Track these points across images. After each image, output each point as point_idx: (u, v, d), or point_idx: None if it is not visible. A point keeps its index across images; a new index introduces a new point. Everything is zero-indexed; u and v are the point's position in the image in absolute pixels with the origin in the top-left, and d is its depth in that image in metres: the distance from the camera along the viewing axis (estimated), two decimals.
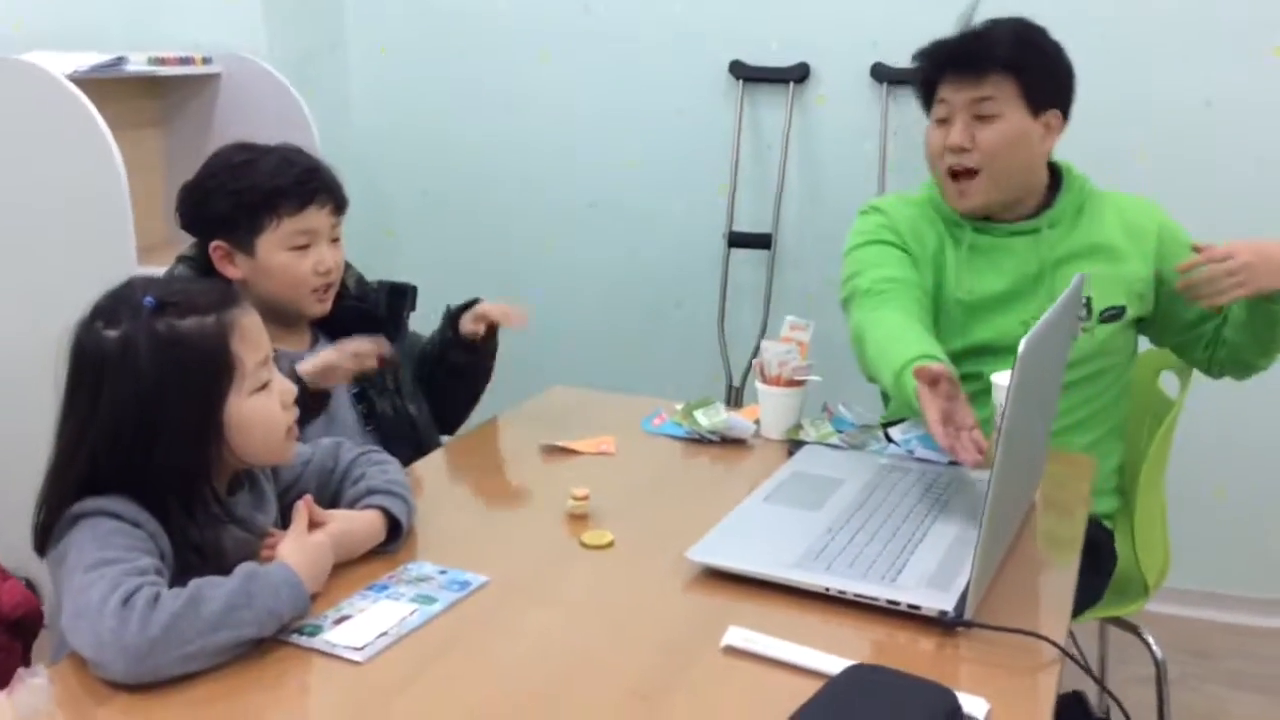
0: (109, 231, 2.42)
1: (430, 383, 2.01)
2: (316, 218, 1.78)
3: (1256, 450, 2.88)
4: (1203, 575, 2.96)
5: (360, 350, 1.72)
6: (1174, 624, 2.93)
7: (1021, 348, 1.15)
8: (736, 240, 3.16)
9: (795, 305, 3.11)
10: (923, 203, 2.02)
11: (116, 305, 1.27)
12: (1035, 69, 1.88)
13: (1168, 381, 2.17)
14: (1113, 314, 1.92)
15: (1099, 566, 1.96)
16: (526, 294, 3.45)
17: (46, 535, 1.23)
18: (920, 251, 1.96)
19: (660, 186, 3.26)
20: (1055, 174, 1.99)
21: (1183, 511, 2.89)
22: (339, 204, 1.83)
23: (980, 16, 2.01)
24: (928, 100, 1.95)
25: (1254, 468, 2.89)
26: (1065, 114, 1.94)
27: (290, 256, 1.77)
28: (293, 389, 1.36)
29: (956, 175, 1.90)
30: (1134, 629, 2.15)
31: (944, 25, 2.69)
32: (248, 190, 1.74)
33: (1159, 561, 2.09)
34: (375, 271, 3.34)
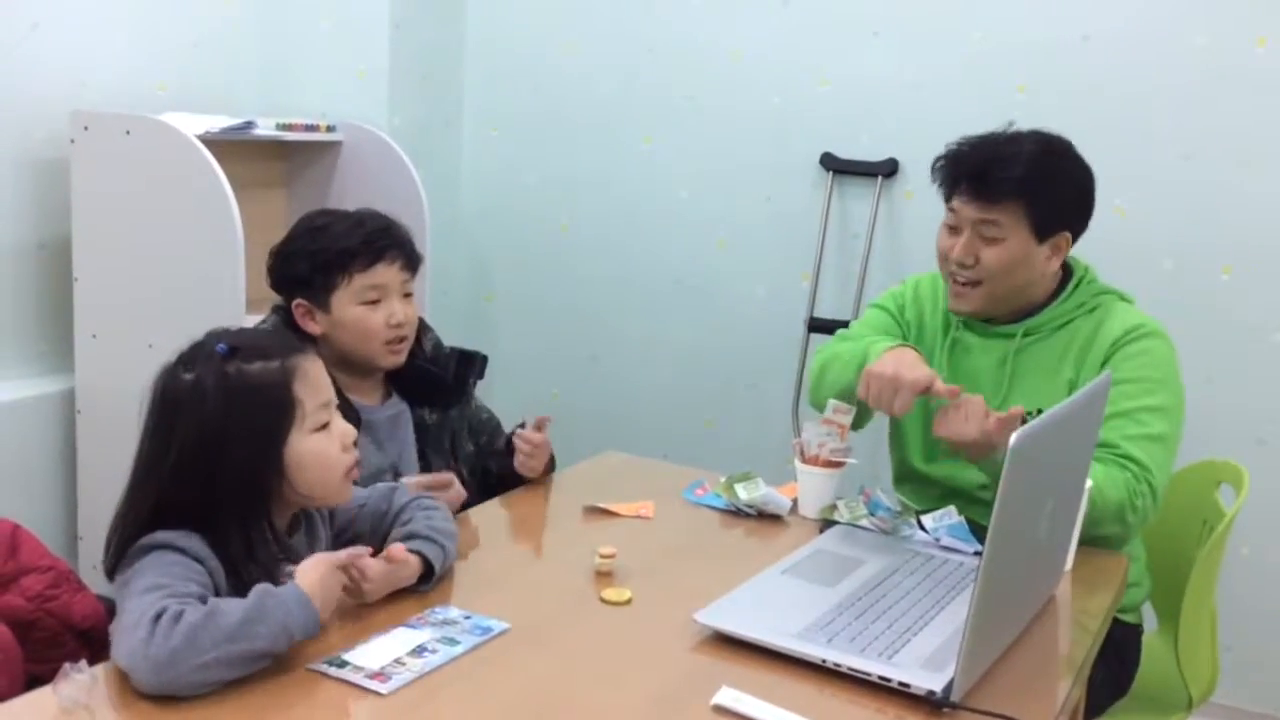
0: (222, 282, 2.61)
1: (486, 474, 2.11)
2: (386, 273, 1.91)
3: None
4: (1264, 695, 2.89)
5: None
6: None
7: (1012, 443, 1.20)
8: (816, 326, 3.23)
9: None
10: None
11: (195, 352, 1.42)
12: (1046, 198, 1.90)
13: (1225, 493, 2.15)
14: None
15: (1122, 662, 1.96)
16: (608, 364, 3.58)
17: (118, 560, 1.35)
18: (916, 327, 2.09)
19: (746, 269, 3.36)
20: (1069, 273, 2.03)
21: (1250, 628, 2.84)
22: (410, 261, 1.95)
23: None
24: (947, 197, 1.99)
25: None
26: (1077, 232, 1.97)
27: (363, 311, 1.90)
28: (352, 431, 1.47)
29: (957, 280, 1.97)
30: None
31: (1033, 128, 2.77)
32: (321, 251, 1.89)
33: (1205, 675, 2.06)
34: (472, 330, 3.52)
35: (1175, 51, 2.81)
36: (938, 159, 2.00)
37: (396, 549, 1.46)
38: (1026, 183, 1.88)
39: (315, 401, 1.42)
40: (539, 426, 2.04)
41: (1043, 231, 1.91)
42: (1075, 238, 1.98)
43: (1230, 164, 2.80)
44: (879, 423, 2.27)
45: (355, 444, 1.49)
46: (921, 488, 2.10)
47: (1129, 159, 2.84)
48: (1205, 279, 2.84)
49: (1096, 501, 1.77)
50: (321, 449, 1.42)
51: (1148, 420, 1.86)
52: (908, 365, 1.82)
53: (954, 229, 1.96)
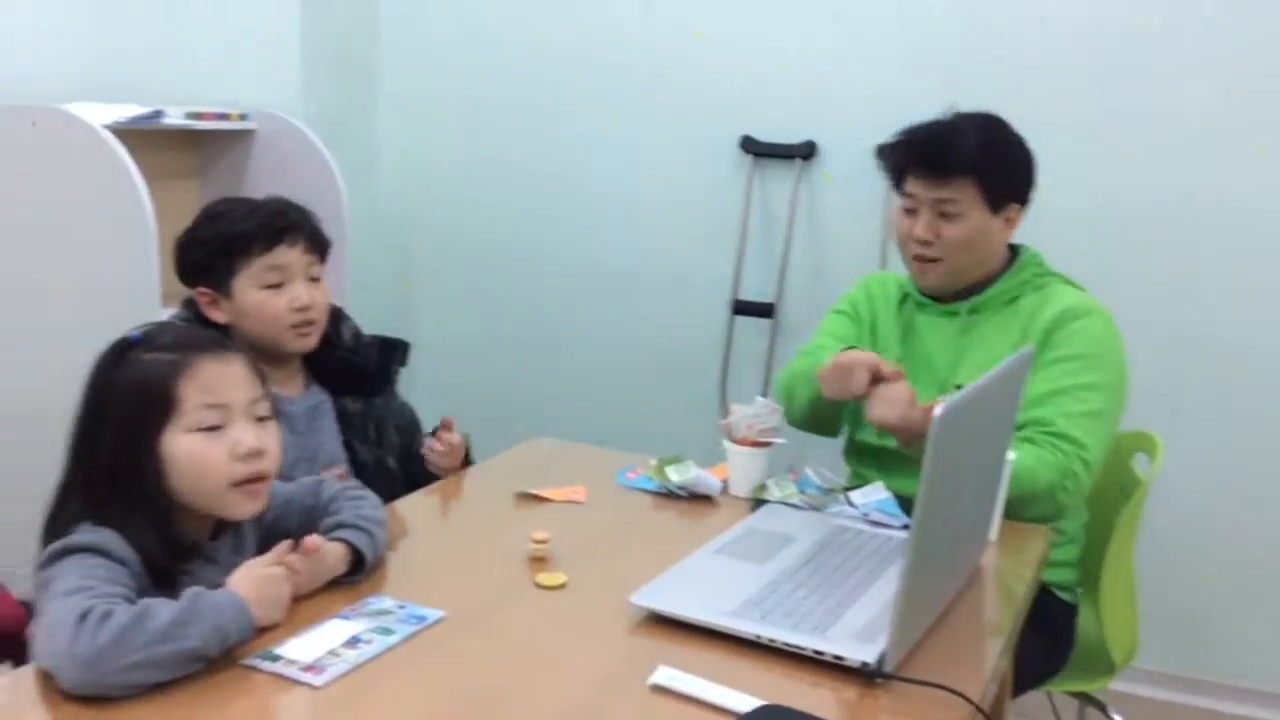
0: (136, 276, 2.54)
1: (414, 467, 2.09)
2: (287, 255, 1.89)
3: (1246, 538, 2.90)
4: (1183, 659, 2.98)
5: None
6: (1151, 707, 2.94)
7: (936, 414, 1.22)
8: (741, 308, 3.25)
9: None
10: (903, 279, 2.18)
11: (120, 339, 1.39)
12: (996, 171, 2.01)
13: (1141, 463, 2.21)
14: None
15: (1057, 640, 2.01)
16: (533, 350, 3.57)
17: (49, 535, 1.32)
18: (871, 322, 2.16)
19: (669, 254, 3.37)
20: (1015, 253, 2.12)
21: (1169, 595, 2.93)
22: (314, 243, 1.93)
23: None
24: (897, 183, 2.08)
25: (1242, 556, 2.91)
26: (1025, 202, 2.08)
27: (264, 295, 1.87)
28: (248, 444, 1.39)
29: (920, 258, 2.05)
30: (1101, 706, 2.19)
31: (945, 109, 2.80)
32: (218, 237, 1.87)
33: (1127, 640, 2.12)
34: (394, 318, 3.48)
35: (1080, 28, 2.87)
36: (883, 147, 2.09)
37: (310, 540, 1.42)
38: (977, 158, 1.99)
39: (201, 400, 1.37)
40: (447, 427, 2.03)
41: (996, 204, 2.02)
42: (1024, 207, 2.08)
43: (1138, 142, 2.86)
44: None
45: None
46: (868, 458, 2.14)
47: (1045, 140, 2.88)
48: (1120, 255, 2.90)
49: (1027, 483, 1.82)
50: (198, 452, 1.36)
51: (1085, 397, 1.91)
52: (853, 352, 1.92)
53: (911, 211, 2.04)
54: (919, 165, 2.02)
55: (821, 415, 2.10)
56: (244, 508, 1.42)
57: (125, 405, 1.34)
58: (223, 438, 1.38)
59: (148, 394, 1.35)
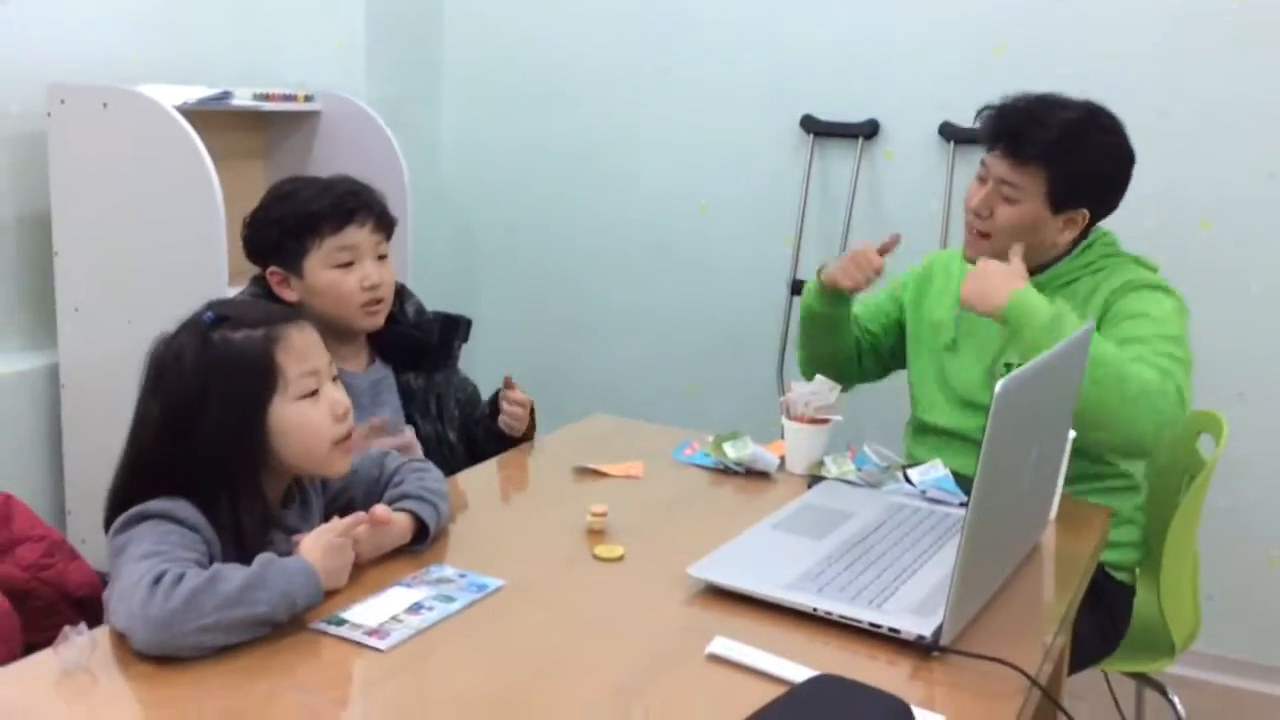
0: (204, 255, 2.60)
1: (472, 439, 2.12)
2: (357, 235, 1.91)
3: None
4: (1247, 644, 2.94)
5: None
6: (1212, 691, 2.91)
7: (997, 389, 1.22)
8: (799, 288, 3.23)
9: None
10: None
11: (188, 320, 1.43)
12: (1072, 171, 1.92)
13: (1205, 444, 2.18)
14: None
15: (1113, 620, 2.00)
16: (593, 330, 3.59)
17: (113, 517, 1.36)
18: (915, 304, 2.20)
19: (728, 233, 3.37)
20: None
21: (1232, 578, 2.89)
22: (382, 223, 1.96)
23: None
24: (988, 148, 2.02)
25: None
26: (1097, 214, 2.00)
27: (336, 274, 1.90)
28: (345, 402, 1.47)
29: (972, 229, 2.03)
30: (1160, 688, 2.17)
31: (1009, 88, 2.78)
32: (290, 217, 1.89)
33: (1188, 622, 2.10)
34: (455, 299, 3.51)
35: (1151, 8, 2.83)
36: (983, 109, 2.03)
37: (379, 510, 1.46)
38: (1049, 151, 1.91)
39: (300, 369, 1.42)
40: (511, 386, 2.06)
41: (1059, 203, 1.95)
42: (1094, 218, 2.00)
43: (1206, 118, 2.82)
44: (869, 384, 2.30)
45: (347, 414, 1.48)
46: (928, 438, 2.14)
47: None
48: (1185, 235, 2.86)
49: (1132, 381, 1.77)
50: (305, 417, 1.42)
51: (1165, 348, 1.85)
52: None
53: (982, 180, 2.01)
54: (996, 140, 1.97)
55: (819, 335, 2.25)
56: (343, 464, 1.49)
57: (230, 381, 1.38)
58: (320, 401, 1.44)
59: (254, 368, 1.39)
